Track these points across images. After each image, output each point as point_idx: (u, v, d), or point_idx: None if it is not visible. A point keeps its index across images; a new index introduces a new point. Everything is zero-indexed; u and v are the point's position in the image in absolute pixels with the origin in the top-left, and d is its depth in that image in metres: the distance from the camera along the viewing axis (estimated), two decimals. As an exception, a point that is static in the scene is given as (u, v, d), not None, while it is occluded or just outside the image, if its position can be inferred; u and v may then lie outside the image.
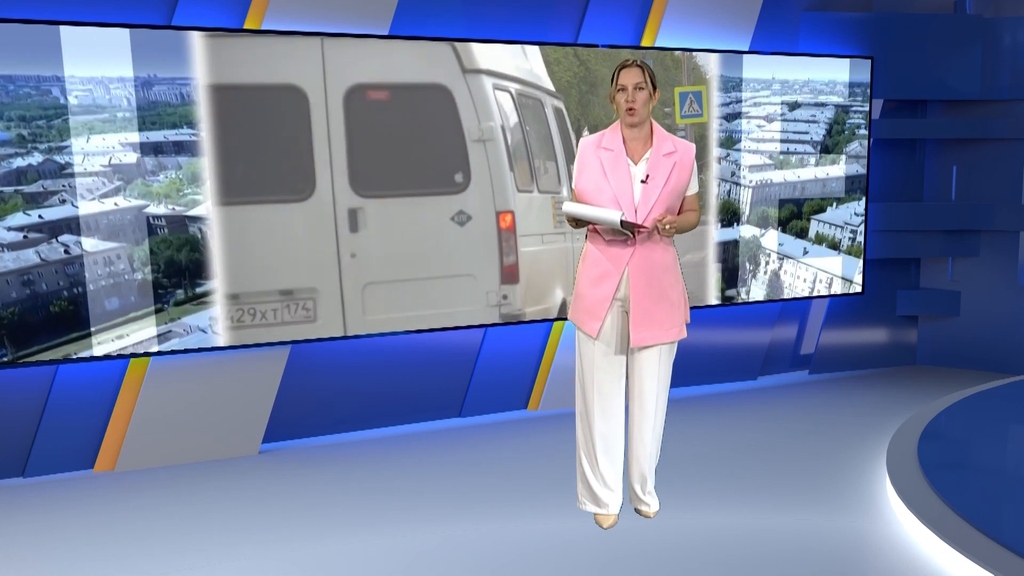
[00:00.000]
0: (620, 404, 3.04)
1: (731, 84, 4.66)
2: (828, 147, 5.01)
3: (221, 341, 3.75)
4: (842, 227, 5.10)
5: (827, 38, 5.04)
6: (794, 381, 5.27)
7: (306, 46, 3.73)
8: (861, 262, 5.16)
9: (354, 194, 3.86)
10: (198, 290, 3.69)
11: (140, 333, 3.62)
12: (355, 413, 4.32)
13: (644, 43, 4.56)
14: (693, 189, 3.00)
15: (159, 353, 3.69)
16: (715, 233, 4.74)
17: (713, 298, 4.80)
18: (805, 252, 5.01)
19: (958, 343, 5.52)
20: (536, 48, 4.16)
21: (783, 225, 4.93)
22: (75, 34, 3.40)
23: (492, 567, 2.80)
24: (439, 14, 4.15)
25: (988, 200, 5.28)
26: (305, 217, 3.79)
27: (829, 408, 4.66)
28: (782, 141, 4.88)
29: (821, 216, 5.03)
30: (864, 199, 5.13)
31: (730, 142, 4.71)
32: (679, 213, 2.99)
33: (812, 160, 4.98)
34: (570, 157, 4.22)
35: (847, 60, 4.96)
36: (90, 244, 3.51)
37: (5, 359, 3.45)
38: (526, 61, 4.12)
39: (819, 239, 5.04)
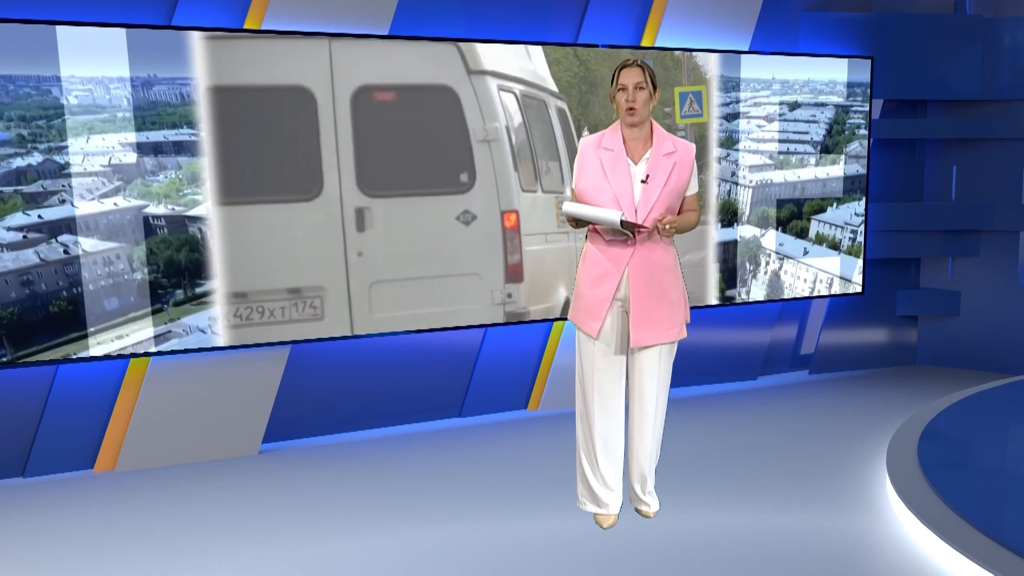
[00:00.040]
0: (620, 404, 3.04)
1: (731, 84, 4.66)
2: (828, 147, 5.01)
3: (221, 341, 3.75)
4: (842, 227, 5.10)
5: (827, 38, 5.04)
6: (794, 381, 5.27)
7: (314, 48, 3.75)
8: (861, 262, 5.16)
9: (361, 194, 3.90)
10: (198, 290, 3.69)
11: (140, 333, 3.62)
12: (355, 413, 4.32)
13: (644, 43, 4.56)
14: (693, 189, 3.00)
15: (159, 353, 3.69)
16: (715, 233, 4.74)
17: (713, 298, 4.80)
18: (806, 252, 5.01)
19: (958, 343, 5.52)
20: (539, 49, 4.18)
21: (783, 225, 4.93)
22: (75, 34, 3.39)
23: (492, 567, 2.80)
24: (439, 14, 4.15)
25: (988, 200, 5.27)
26: (312, 217, 3.83)
27: (829, 408, 4.66)
28: (782, 141, 4.88)
29: (821, 216, 5.03)
30: (864, 199, 5.13)
31: (730, 142, 4.71)
32: (679, 213, 2.99)
33: (812, 160, 4.98)
34: (573, 157, 4.23)
35: (847, 60, 4.96)
36: (90, 244, 3.51)
37: (5, 359, 3.45)
38: (530, 62, 4.15)
39: (819, 239, 5.04)
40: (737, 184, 4.76)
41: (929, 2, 5.35)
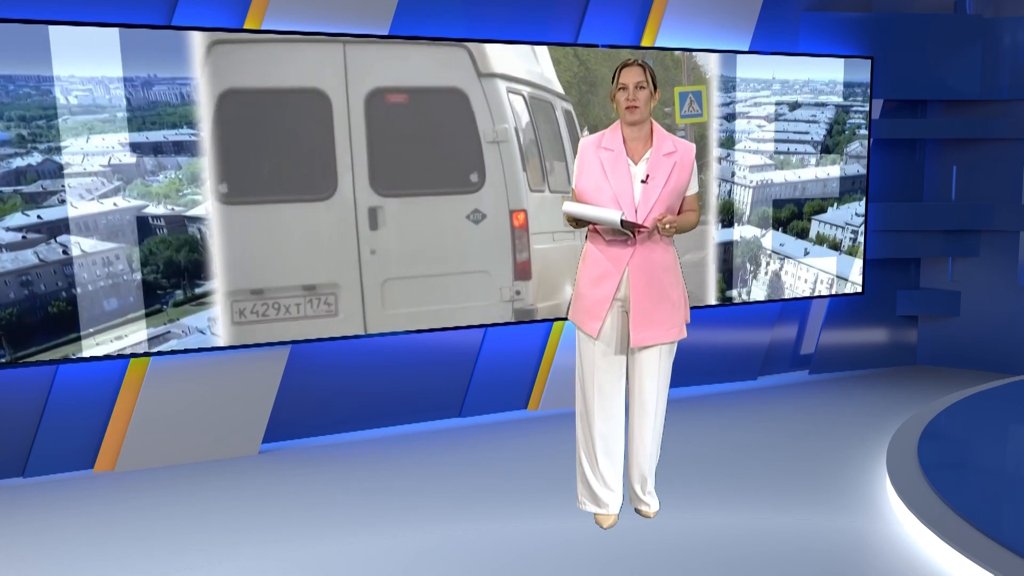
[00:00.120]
0: (620, 404, 3.04)
1: (731, 84, 4.66)
2: (828, 147, 5.01)
3: (221, 341, 3.75)
4: (843, 227, 5.09)
5: (827, 38, 5.04)
6: (794, 381, 5.27)
7: (329, 52, 3.79)
8: (861, 262, 5.16)
9: (374, 193, 3.95)
10: (198, 290, 3.70)
11: (139, 334, 3.62)
12: (355, 413, 4.32)
13: (644, 43, 4.56)
14: (693, 189, 3.00)
15: (159, 353, 3.69)
16: (715, 233, 4.75)
17: (713, 298, 4.80)
18: (806, 252, 5.01)
19: (958, 343, 5.52)
20: (546, 52, 4.22)
21: (783, 225, 4.92)
22: (71, 34, 3.39)
23: (492, 567, 2.80)
24: (439, 14, 4.15)
25: (988, 200, 5.27)
26: (327, 215, 3.88)
27: (829, 408, 4.66)
28: (782, 141, 4.87)
29: (822, 216, 5.03)
30: (864, 199, 5.13)
31: (730, 142, 4.71)
32: (679, 213, 2.99)
33: (812, 160, 4.98)
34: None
35: (847, 60, 4.96)
36: (89, 244, 3.51)
37: (5, 359, 3.45)
38: (537, 65, 4.21)
39: (820, 239, 5.04)
40: (737, 184, 4.76)
41: (929, 2, 5.35)
